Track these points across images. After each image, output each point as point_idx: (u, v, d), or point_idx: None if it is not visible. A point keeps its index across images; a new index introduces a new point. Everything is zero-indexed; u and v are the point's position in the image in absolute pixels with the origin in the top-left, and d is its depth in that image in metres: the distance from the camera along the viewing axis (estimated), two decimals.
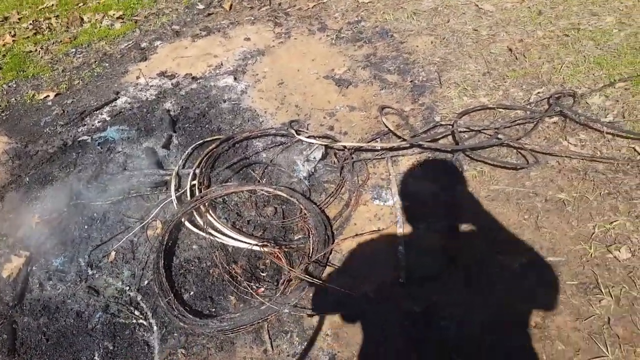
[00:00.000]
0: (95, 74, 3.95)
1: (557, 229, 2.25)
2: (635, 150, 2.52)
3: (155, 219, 2.60)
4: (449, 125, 2.92)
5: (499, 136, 2.74)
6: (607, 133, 2.64)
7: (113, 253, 2.49)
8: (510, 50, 3.47)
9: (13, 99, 3.78)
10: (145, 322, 2.19)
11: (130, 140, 3.11)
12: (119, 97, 3.59)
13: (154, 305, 2.25)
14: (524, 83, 3.16)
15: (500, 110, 2.98)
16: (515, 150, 2.70)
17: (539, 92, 3.05)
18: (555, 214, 2.32)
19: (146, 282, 2.36)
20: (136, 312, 2.24)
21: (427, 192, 2.57)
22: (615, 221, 2.22)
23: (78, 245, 2.55)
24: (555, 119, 2.84)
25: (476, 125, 2.89)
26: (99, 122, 3.38)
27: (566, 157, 2.57)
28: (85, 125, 3.37)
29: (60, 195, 2.79)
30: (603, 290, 1.99)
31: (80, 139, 3.22)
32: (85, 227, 2.62)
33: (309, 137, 2.91)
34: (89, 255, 2.49)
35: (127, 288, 2.34)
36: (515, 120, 2.87)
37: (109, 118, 3.39)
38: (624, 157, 2.50)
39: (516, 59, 3.39)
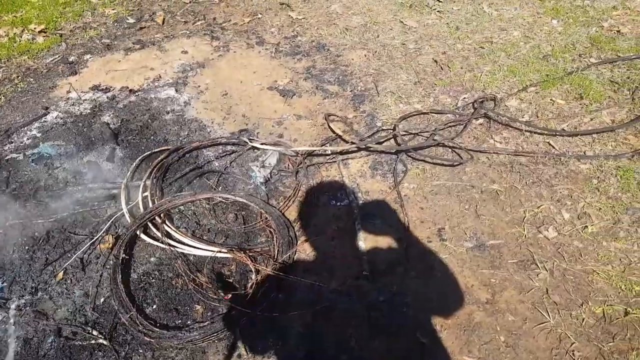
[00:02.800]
0: (19, 89, 3.67)
1: (494, 216, 2.53)
2: (550, 144, 2.92)
3: (106, 233, 2.48)
4: (390, 129, 3.15)
5: (436, 137, 3.02)
6: (526, 131, 3.03)
7: (61, 273, 2.33)
8: (436, 61, 3.83)
9: None
10: (105, 342, 2.08)
11: (69, 155, 2.93)
12: (48, 112, 3.37)
13: (113, 323, 2.14)
14: (450, 90, 3.50)
15: (434, 114, 3.28)
16: (450, 149, 2.98)
17: (464, 98, 3.41)
18: (491, 203, 2.61)
19: (102, 299, 2.24)
20: (94, 332, 2.12)
21: (378, 190, 2.75)
22: (541, 205, 2.55)
23: (19, 267, 2.35)
24: (481, 120, 3.19)
25: (414, 128, 3.15)
26: (28, 138, 3.14)
27: (494, 153, 2.90)
28: (12, 142, 3.12)
29: None
30: (539, 265, 2.27)
31: (8, 157, 2.97)
32: (26, 247, 2.43)
33: (262, 144, 2.97)
34: (33, 278, 2.31)
35: (81, 308, 2.21)
36: (447, 123, 3.17)
37: (40, 134, 3.17)
38: (541, 151, 2.89)
39: (442, 69, 3.74)
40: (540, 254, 2.33)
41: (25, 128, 3.24)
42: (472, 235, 2.45)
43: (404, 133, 3.10)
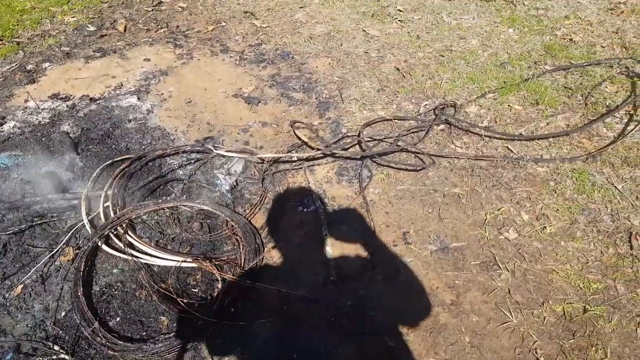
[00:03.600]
0: None
1: (457, 219, 2.61)
2: (508, 148, 3.04)
3: (66, 245, 2.41)
4: (355, 135, 3.20)
5: (399, 143, 3.09)
6: (485, 136, 3.14)
7: (19, 287, 2.25)
8: (398, 69, 3.93)
9: None
10: (67, 357, 2.02)
11: (26, 166, 2.83)
12: (5, 122, 3.25)
13: (75, 338, 2.08)
14: (412, 97, 3.60)
15: (397, 121, 3.35)
16: (413, 155, 3.06)
17: (426, 104, 3.50)
18: (454, 206, 2.69)
19: (63, 313, 2.17)
20: (55, 348, 2.05)
21: (343, 195, 2.79)
22: (501, 208, 2.65)
23: None
24: (442, 126, 3.28)
25: (378, 134, 3.21)
26: None
27: (455, 157, 2.99)
28: None
29: None
30: (501, 266, 2.35)
31: None
32: None
33: (227, 151, 2.96)
34: None
35: (42, 323, 2.13)
36: (410, 129, 3.25)
37: None
38: (500, 155, 3.00)
39: (403, 77, 3.84)
40: (502, 255, 2.41)
41: None
42: (436, 238, 2.52)
43: (369, 139, 3.16)
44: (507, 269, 2.35)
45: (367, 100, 3.57)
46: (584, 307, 2.15)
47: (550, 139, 3.09)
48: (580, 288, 2.24)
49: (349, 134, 3.24)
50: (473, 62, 3.93)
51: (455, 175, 2.89)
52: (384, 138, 3.18)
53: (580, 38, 4.14)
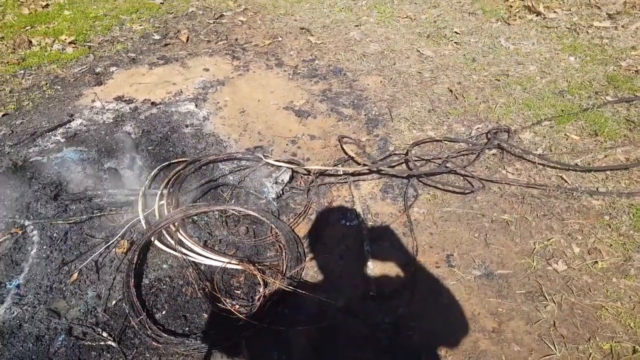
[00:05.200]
0: (47, 95, 3.82)
1: (504, 246, 2.55)
2: (562, 178, 2.95)
3: (121, 238, 2.55)
4: (403, 154, 3.21)
5: (448, 164, 3.07)
6: (539, 164, 3.06)
7: (76, 274, 2.39)
8: (451, 91, 3.91)
9: None
10: (113, 344, 2.12)
11: (90, 161, 3.04)
12: (73, 119, 3.50)
13: (123, 326, 2.18)
14: (464, 119, 3.57)
15: (446, 142, 3.34)
16: (462, 177, 3.03)
17: (478, 128, 3.47)
18: (501, 233, 2.63)
19: (114, 302, 2.29)
20: (104, 334, 2.15)
21: (387, 213, 2.79)
22: (551, 238, 2.57)
23: (36, 266, 2.41)
24: (494, 151, 3.23)
25: (426, 155, 3.20)
26: (52, 143, 3.26)
27: (506, 183, 2.93)
28: (37, 146, 3.24)
29: (16, 215, 2.65)
30: (547, 297, 2.27)
31: (32, 159, 3.08)
32: (44, 247, 2.49)
33: (276, 160, 3.05)
34: (49, 277, 2.37)
35: (93, 309, 2.26)
36: (460, 152, 3.23)
37: (64, 140, 3.29)
38: (554, 184, 2.92)
39: (456, 98, 3.82)
40: (549, 286, 2.33)
41: (50, 133, 3.36)
42: (481, 263, 2.47)
43: (416, 158, 3.16)
44: (553, 300, 2.26)
45: (417, 119, 3.58)
46: (634, 347, 2.04)
47: (608, 172, 2.97)
48: (631, 327, 2.12)
49: (396, 152, 3.25)
50: (530, 89, 3.86)
51: (505, 201, 2.83)
52: (433, 158, 3.17)
53: None
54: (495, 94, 3.83)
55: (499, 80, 4.01)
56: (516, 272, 2.42)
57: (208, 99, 3.82)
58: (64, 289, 2.34)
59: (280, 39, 4.85)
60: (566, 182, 2.93)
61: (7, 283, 2.35)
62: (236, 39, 4.84)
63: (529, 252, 2.51)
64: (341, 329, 2.19)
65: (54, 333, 2.15)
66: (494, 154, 3.21)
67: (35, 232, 2.56)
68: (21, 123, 3.49)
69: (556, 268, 2.42)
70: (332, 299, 2.31)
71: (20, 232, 2.56)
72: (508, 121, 3.50)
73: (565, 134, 3.31)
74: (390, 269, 2.47)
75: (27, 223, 2.60)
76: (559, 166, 3.03)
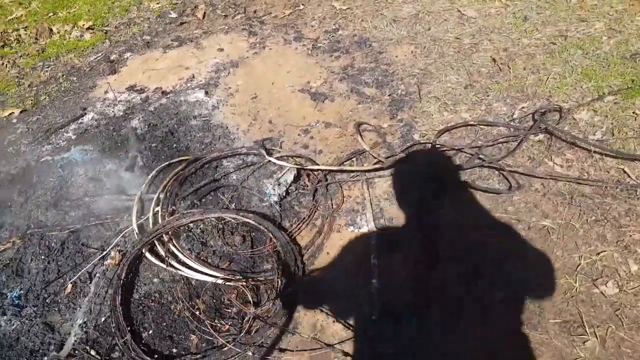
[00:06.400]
0: (63, 88, 3.77)
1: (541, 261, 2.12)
2: (624, 171, 2.38)
3: (114, 249, 2.44)
4: (428, 144, 2.78)
5: (480, 156, 2.60)
6: (595, 152, 2.50)
7: (70, 286, 2.33)
8: (494, 60, 3.33)
9: None
10: None
11: (93, 162, 2.93)
12: (85, 114, 3.42)
13: (111, 345, 2.09)
14: (507, 97, 3.02)
15: (482, 127, 2.84)
16: (497, 172, 2.56)
17: (523, 107, 2.91)
18: (539, 243, 2.18)
19: (103, 318, 2.20)
20: (92, 352, 2.08)
21: (404, 217, 2.43)
22: (602, 252, 2.09)
23: (34, 277, 2.38)
24: (540, 136, 2.70)
25: (456, 144, 2.74)
26: (64, 140, 3.20)
27: (551, 179, 2.43)
28: (50, 144, 3.19)
29: (18, 223, 2.64)
30: (588, 330, 1.86)
31: (42, 159, 3.05)
32: (42, 257, 2.46)
33: (280, 157, 2.76)
34: (45, 289, 2.33)
35: (84, 324, 2.19)
36: (498, 139, 2.73)
37: (75, 137, 3.22)
38: (612, 179, 2.37)
39: (500, 70, 3.25)
40: (592, 315, 1.90)
41: (63, 129, 3.31)
42: (512, 281, 2.06)
43: (444, 149, 2.71)
44: (596, 334, 1.84)
45: (450, 98, 3.08)
46: None
47: None
48: None
49: (420, 142, 2.82)
50: (593, 53, 3.16)
51: (548, 202, 2.35)
52: (462, 149, 2.70)
53: None
54: (549, 62, 3.19)
55: (554, 44, 3.33)
56: (553, 295, 1.99)
57: (219, 84, 3.55)
58: (58, 301, 2.29)
59: (301, 6, 4.39)
60: (629, 176, 2.36)
61: (8, 293, 2.34)
62: (255, 11, 4.46)
63: (571, 269, 2.06)
64: (339, 357, 1.94)
65: (47, 348, 2.12)
66: (539, 141, 2.68)
67: (34, 241, 2.52)
68: (37, 119, 3.46)
69: (604, 291, 1.97)
70: (330, 321, 2.06)
71: (20, 242, 2.53)
72: (561, 97, 2.90)
73: (633, 112, 2.66)
74: (401, 286, 2.14)
75: (28, 232, 2.57)
76: (621, 156, 2.45)
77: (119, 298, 2.19)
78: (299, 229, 2.46)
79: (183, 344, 2.10)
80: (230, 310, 2.18)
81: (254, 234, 2.47)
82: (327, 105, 3.22)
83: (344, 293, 2.16)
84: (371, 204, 2.50)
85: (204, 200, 2.65)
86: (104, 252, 2.42)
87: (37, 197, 2.78)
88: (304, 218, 2.50)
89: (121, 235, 2.48)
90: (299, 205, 2.59)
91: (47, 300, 2.30)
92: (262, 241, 2.43)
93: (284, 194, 2.61)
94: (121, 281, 2.25)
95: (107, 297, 2.27)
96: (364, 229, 2.41)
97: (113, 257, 2.40)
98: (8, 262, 2.47)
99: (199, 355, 2.05)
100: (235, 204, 2.62)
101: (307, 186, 2.66)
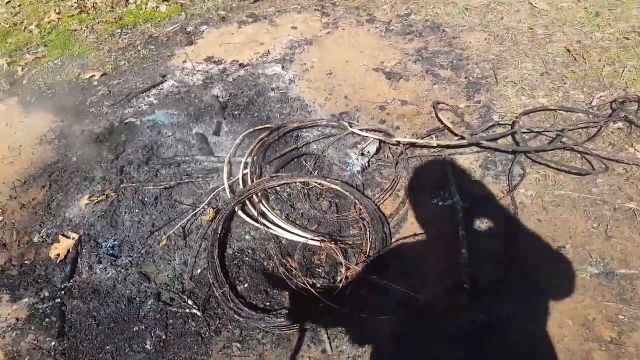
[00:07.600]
0: (141, 55, 3.91)
1: (629, 240, 2.16)
2: None
3: (207, 205, 2.55)
4: (509, 125, 2.83)
5: (563, 139, 2.64)
6: None
7: (164, 239, 2.45)
8: (569, 50, 3.35)
9: (58, 77, 3.75)
10: (198, 313, 2.14)
11: (179, 125, 3.06)
12: (165, 80, 3.55)
13: (207, 296, 2.20)
14: (584, 85, 3.04)
15: (562, 112, 2.87)
16: (579, 155, 2.59)
17: (601, 96, 2.93)
18: (626, 224, 2.22)
19: (199, 270, 2.32)
20: (189, 302, 2.19)
21: (488, 193, 2.49)
22: None
23: (128, 229, 2.51)
24: (619, 124, 2.73)
25: (537, 126, 2.78)
26: (145, 104, 3.34)
27: (634, 164, 2.46)
28: (132, 107, 3.34)
29: (111, 177, 2.77)
30: None
31: (127, 120, 3.18)
32: (136, 211, 2.58)
33: (362, 129, 2.84)
34: (140, 240, 2.46)
35: (180, 276, 2.30)
36: (578, 124, 2.76)
37: (156, 101, 3.35)
38: None
39: (575, 60, 3.26)
40: None
41: (144, 94, 3.44)
42: (599, 259, 2.11)
43: (525, 131, 2.75)
44: None
45: (527, 84, 3.11)
46: None
47: None
48: None
49: (500, 122, 2.87)
50: None
51: (632, 186, 2.38)
52: (544, 131, 2.74)
53: None
54: (623, 56, 3.19)
55: (627, 39, 3.34)
56: None
57: (295, 60, 3.64)
58: (153, 253, 2.41)
59: None
60: None
61: (103, 243, 2.47)
62: None
63: None
64: (429, 323, 2.01)
65: (144, 296, 2.23)
66: (619, 128, 2.71)
67: (128, 195, 2.65)
68: (118, 83, 3.61)
69: None
70: (420, 287, 2.13)
71: (114, 195, 2.66)
72: (638, 88, 2.91)
73: None
74: (489, 259, 2.20)
75: (121, 186, 2.70)
76: None
77: (216, 251, 2.31)
78: (382, 198, 2.54)
79: (277, 298, 2.20)
80: (320, 270, 2.28)
81: (338, 200, 2.55)
82: (402, 84, 3.28)
83: (433, 261, 2.23)
84: (455, 178, 2.56)
85: (288, 166, 2.75)
86: (198, 209, 2.54)
87: (126, 154, 2.91)
88: (387, 189, 2.57)
89: (213, 194, 2.59)
90: (381, 177, 2.67)
91: (142, 251, 2.42)
92: (346, 207, 2.52)
93: (367, 164, 2.69)
94: (217, 235, 2.36)
95: (200, 250, 2.39)
96: (448, 202, 2.47)
97: (207, 213, 2.52)
98: (102, 213, 2.60)
99: (293, 311, 2.14)
100: (317, 172, 2.71)
101: (389, 158, 2.74)
